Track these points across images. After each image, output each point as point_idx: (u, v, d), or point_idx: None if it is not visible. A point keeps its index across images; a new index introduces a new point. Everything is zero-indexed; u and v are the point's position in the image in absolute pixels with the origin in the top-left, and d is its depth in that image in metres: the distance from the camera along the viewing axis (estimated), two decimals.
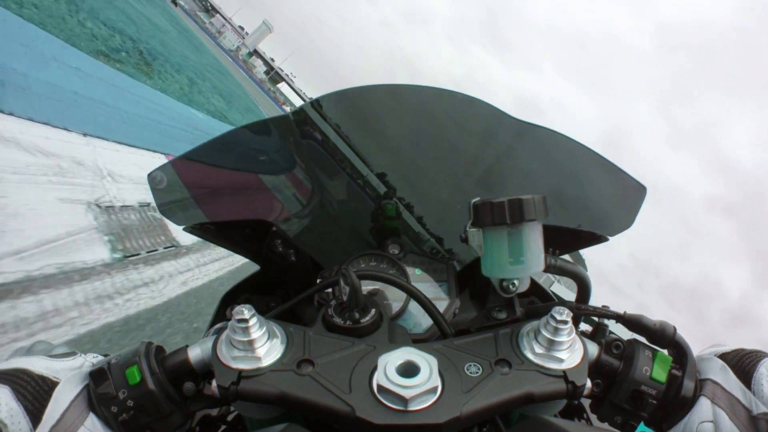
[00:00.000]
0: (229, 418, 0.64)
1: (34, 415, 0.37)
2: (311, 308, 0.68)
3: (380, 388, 0.38)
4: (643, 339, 0.50)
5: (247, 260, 0.74)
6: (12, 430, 0.36)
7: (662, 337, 0.49)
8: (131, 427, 0.42)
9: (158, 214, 2.94)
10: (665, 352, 0.49)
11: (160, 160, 4.85)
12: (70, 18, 6.89)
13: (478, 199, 0.52)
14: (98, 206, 3.46)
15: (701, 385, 0.45)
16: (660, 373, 0.45)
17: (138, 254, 3.34)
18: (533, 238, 0.51)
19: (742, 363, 0.44)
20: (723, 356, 0.46)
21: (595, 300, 0.61)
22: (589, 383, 0.45)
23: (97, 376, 0.42)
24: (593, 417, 0.52)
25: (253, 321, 0.43)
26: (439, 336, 0.59)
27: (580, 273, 0.66)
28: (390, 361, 0.40)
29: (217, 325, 0.56)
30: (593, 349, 0.48)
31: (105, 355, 0.47)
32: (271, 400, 0.40)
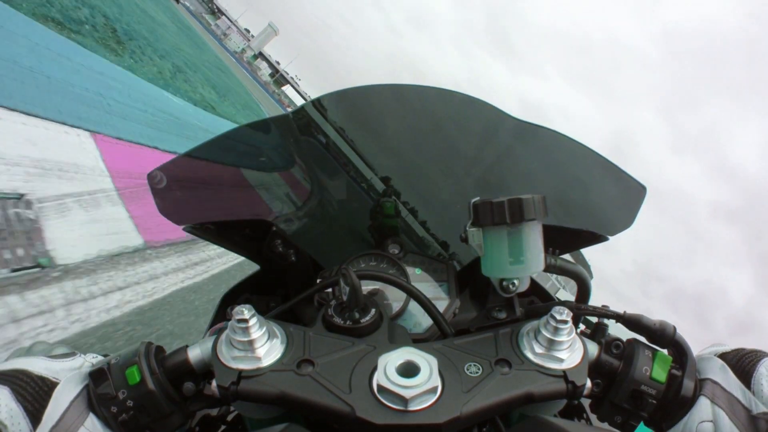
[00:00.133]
0: (229, 418, 0.64)
1: (34, 415, 0.37)
2: (311, 308, 0.68)
3: (380, 388, 0.38)
4: (642, 339, 0.50)
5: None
6: (12, 431, 0.35)
7: (662, 336, 0.49)
8: (131, 428, 0.42)
9: (28, 213, 2.53)
10: (665, 351, 0.49)
11: (72, 137, 3.78)
12: None
13: (477, 198, 0.52)
14: None
15: (701, 384, 0.45)
16: (660, 373, 0.45)
17: None
18: (533, 237, 0.51)
19: (742, 363, 0.44)
20: (723, 356, 0.47)
21: (596, 303, 0.61)
22: (589, 383, 0.45)
23: (96, 376, 0.42)
24: (593, 417, 0.52)
25: (253, 321, 0.43)
26: (439, 336, 0.59)
27: (580, 273, 0.66)
28: (390, 361, 0.40)
29: (217, 326, 0.56)
30: (593, 348, 0.48)
31: (104, 356, 0.47)
32: (271, 400, 0.40)
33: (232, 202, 0.75)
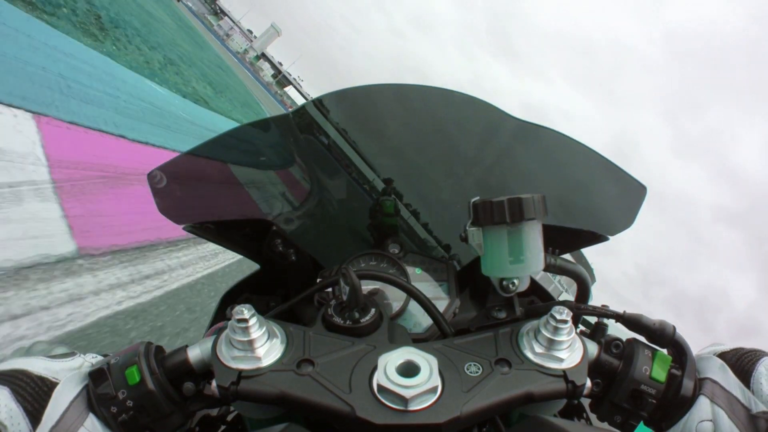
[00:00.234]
0: (229, 418, 0.64)
1: (34, 415, 0.37)
2: (311, 308, 0.68)
3: (380, 387, 0.38)
4: (642, 338, 0.51)
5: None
6: (11, 431, 0.35)
7: (662, 336, 0.49)
8: (131, 428, 0.42)
9: None
10: (665, 351, 0.49)
11: (7, 117, 3.22)
12: None
13: (477, 198, 0.52)
14: None
15: (700, 384, 0.45)
16: (659, 373, 0.45)
17: None
18: (533, 237, 0.51)
19: (741, 362, 0.44)
20: (722, 355, 0.47)
21: (597, 304, 0.61)
22: (588, 383, 0.45)
23: (96, 376, 0.42)
24: (593, 416, 0.52)
25: (252, 321, 0.43)
26: (439, 336, 0.59)
27: (580, 272, 0.66)
28: (390, 360, 0.40)
29: (217, 325, 0.56)
30: (593, 348, 0.48)
31: (104, 356, 0.47)
32: (271, 400, 0.40)
33: (232, 201, 0.75)
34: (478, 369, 0.43)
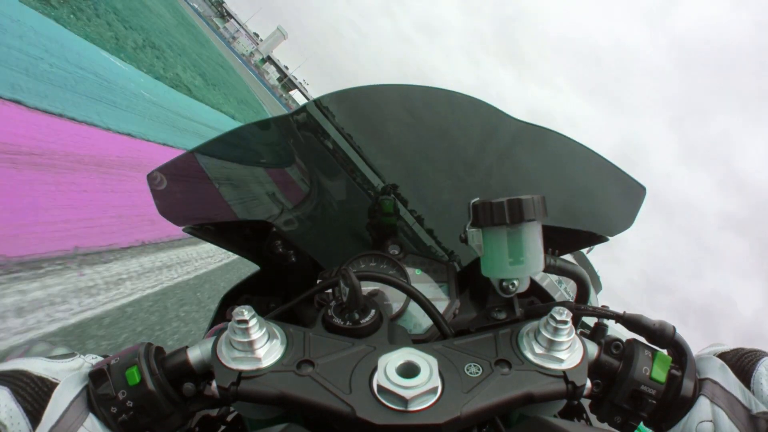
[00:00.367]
0: (229, 418, 0.64)
1: (34, 416, 0.37)
2: (311, 309, 0.68)
3: (380, 388, 0.39)
4: (642, 339, 0.51)
5: None
6: (11, 431, 0.35)
7: (662, 337, 0.50)
8: (131, 428, 0.42)
9: None
10: (665, 352, 0.49)
11: None
12: None
13: (477, 199, 0.52)
14: None
15: (700, 384, 0.45)
16: (659, 373, 0.45)
17: None
18: (533, 238, 0.51)
19: (741, 362, 0.44)
20: (722, 356, 0.47)
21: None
22: (588, 383, 0.45)
23: (96, 376, 0.42)
24: (593, 417, 0.52)
25: (252, 322, 0.43)
26: (439, 336, 0.59)
27: (580, 273, 0.66)
28: (390, 361, 0.40)
29: (217, 326, 0.56)
30: (593, 349, 0.48)
31: (104, 356, 0.47)
32: (271, 401, 0.40)
33: (232, 202, 0.75)
34: (478, 370, 0.43)
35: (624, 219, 0.70)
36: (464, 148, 0.79)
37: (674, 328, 0.49)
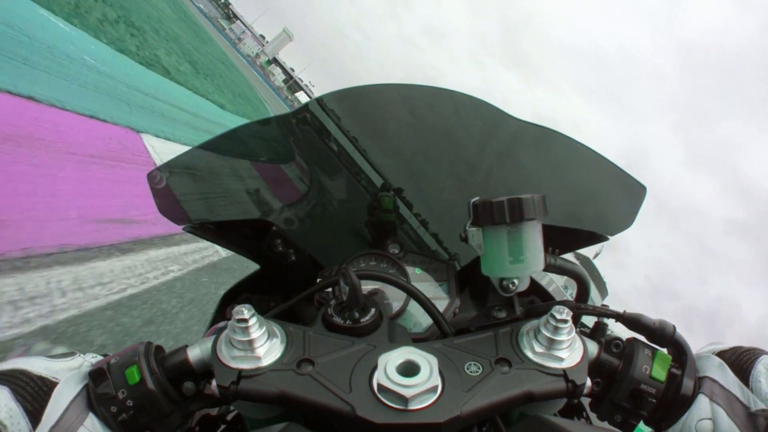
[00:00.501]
0: (229, 417, 0.64)
1: (34, 415, 0.37)
2: (311, 308, 0.68)
3: (380, 387, 0.39)
4: (642, 338, 0.51)
5: None
6: (11, 431, 0.35)
7: (662, 335, 0.50)
8: (131, 427, 0.42)
9: None
10: (665, 350, 0.49)
11: None
12: None
13: (477, 198, 0.52)
14: None
15: (699, 382, 0.45)
16: (659, 372, 0.46)
17: None
18: (533, 237, 0.51)
19: (740, 360, 0.44)
20: (721, 354, 0.47)
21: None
22: (588, 382, 0.45)
23: (96, 376, 0.42)
24: (593, 416, 0.52)
25: (252, 321, 0.43)
26: (439, 335, 0.59)
27: (580, 272, 0.66)
28: (390, 360, 0.40)
29: (217, 325, 0.56)
30: (593, 348, 0.48)
31: (104, 355, 0.47)
32: (271, 400, 0.40)
33: (232, 201, 0.75)
34: (478, 368, 0.43)
35: (624, 218, 0.70)
36: (465, 147, 0.79)
37: (674, 327, 0.49)
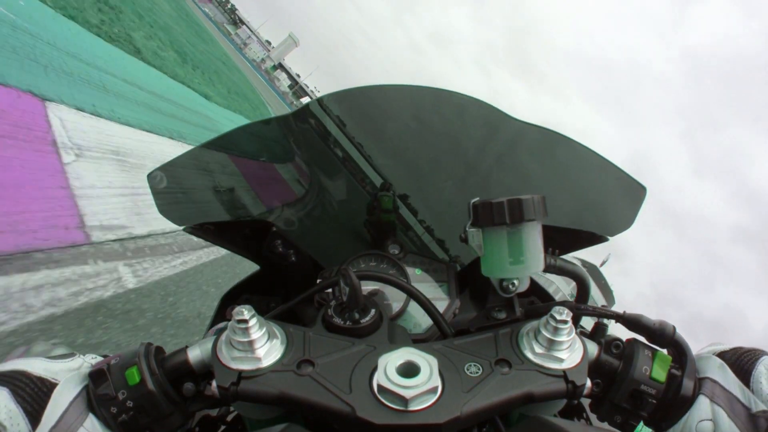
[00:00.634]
0: (229, 418, 0.64)
1: (33, 416, 0.37)
2: (311, 308, 0.68)
3: (380, 388, 0.39)
4: (642, 338, 0.51)
5: None
6: None
7: (662, 336, 0.50)
8: (131, 428, 0.42)
9: None
10: (665, 351, 0.49)
11: None
12: None
13: (477, 199, 0.52)
14: None
15: (700, 383, 0.45)
16: (659, 373, 0.46)
17: None
18: (533, 237, 0.51)
19: (741, 361, 0.44)
20: (721, 355, 0.47)
21: None
22: (588, 383, 0.45)
23: (96, 377, 0.42)
24: (593, 416, 0.52)
25: (252, 321, 0.43)
26: (439, 336, 0.59)
27: (580, 273, 0.66)
28: (390, 361, 0.40)
29: (217, 326, 0.56)
30: (593, 348, 0.48)
31: (104, 356, 0.47)
32: (271, 401, 0.40)
33: (233, 202, 0.75)
34: (478, 369, 0.43)
35: (624, 219, 0.70)
36: (465, 147, 0.79)
37: (674, 328, 0.49)
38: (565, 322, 0.44)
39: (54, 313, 2.09)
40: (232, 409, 0.64)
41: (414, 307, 0.67)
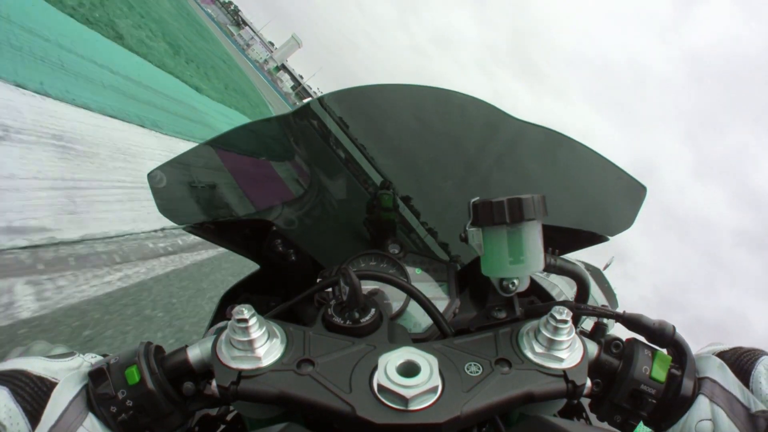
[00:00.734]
0: (229, 417, 0.64)
1: (33, 416, 0.37)
2: (311, 308, 0.68)
3: (381, 387, 0.39)
4: (642, 338, 0.51)
5: None
6: (11, 431, 0.35)
7: (661, 336, 0.50)
8: (130, 427, 0.42)
9: None
10: (664, 351, 0.49)
11: None
12: None
13: (477, 198, 0.52)
14: None
15: (699, 383, 0.45)
16: (659, 373, 0.46)
17: None
18: (533, 237, 0.51)
19: (740, 361, 0.44)
20: (721, 354, 0.47)
21: None
22: (588, 382, 0.45)
23: (96, 376, 0.42)
24: (593, 416, 0.52)
25: (252, 321, 0.43)
26: (439, 336, 0.59)
27: (580, 272, 0.66)
28: (390, 360, 0.40)
29: (217, 325, 0.56)
30: (593, 348, 0.48)
31: (104, 355, 0.47)
32: (271, 400, 0.40)
33: (233, 201, 0.75)
34: (479, 369, 0.43)
35: (624, 219, 0.70)
36: (465, 147, 0.79)
37: (674, 328, 0.49)
38: (565, 321, 0.44)
39: None
40: (231, 408, 0.64)
41: (414, 307, 0.67)
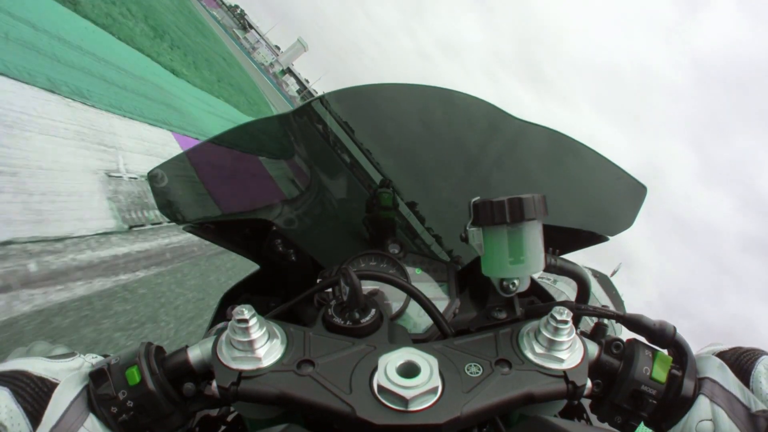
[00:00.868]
0: (229, 418, 0.64)
1: (34, 416, 0.37)
2: (311, 308, 0.68)
3: (381, 388, 0.38)
4: (643, 339, 0.51)
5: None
6: None
7: (662, 337, 0.49)
8: (131, 428, 0.42)
9: None
10: (665, 352, 0.49)
11: None
12: None
13: (477, 198, 0.52)
14: None
15: (700, 383, 0.45)
16: (660, 373, 0.45)
17: None
18: (533, 237, 0.51)
19: (740, 361, 0.44)
20: (721, 355, 0.47)
21: None
22: (589, 383, 0.45)
23: (96, 376, 0.42)
24: (593, 417, 0.52)
25: (253, 321, 0.43)
26: (439, 336, 0.59)
27: (580, 272, 0.66)
28: (390, 361, 0.40)
29: (218, 326, 0.56)
30: (593, 349, 0.48)
31: (104, 356, 0.47)
32: (271, 401, 0.40)
33: (233, 201, 0.75)
34: (479, 369, 0.43)
35: (625, 218, 0.70)
36: (465, 146, 0.79)
37: (674, 328, 0.49)
38: (565, 322, 0.44)
39: None
40: (232, 409, 0.64)
41: (414, 307, 0.67)
